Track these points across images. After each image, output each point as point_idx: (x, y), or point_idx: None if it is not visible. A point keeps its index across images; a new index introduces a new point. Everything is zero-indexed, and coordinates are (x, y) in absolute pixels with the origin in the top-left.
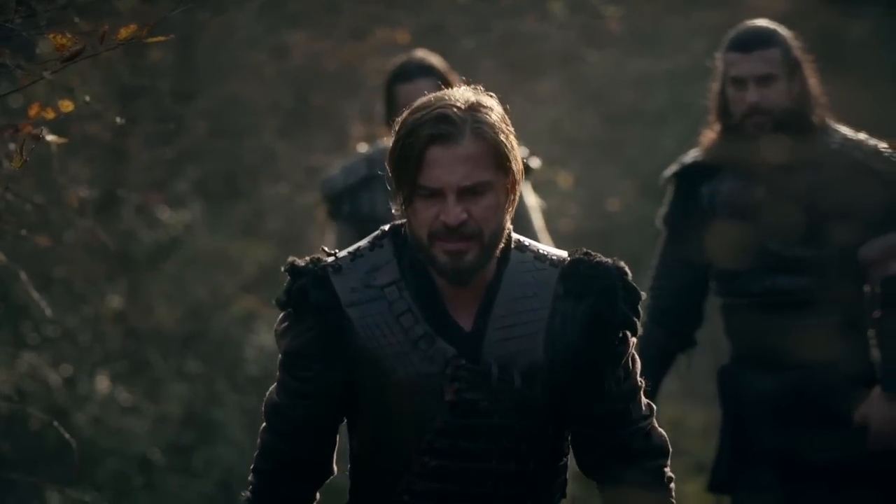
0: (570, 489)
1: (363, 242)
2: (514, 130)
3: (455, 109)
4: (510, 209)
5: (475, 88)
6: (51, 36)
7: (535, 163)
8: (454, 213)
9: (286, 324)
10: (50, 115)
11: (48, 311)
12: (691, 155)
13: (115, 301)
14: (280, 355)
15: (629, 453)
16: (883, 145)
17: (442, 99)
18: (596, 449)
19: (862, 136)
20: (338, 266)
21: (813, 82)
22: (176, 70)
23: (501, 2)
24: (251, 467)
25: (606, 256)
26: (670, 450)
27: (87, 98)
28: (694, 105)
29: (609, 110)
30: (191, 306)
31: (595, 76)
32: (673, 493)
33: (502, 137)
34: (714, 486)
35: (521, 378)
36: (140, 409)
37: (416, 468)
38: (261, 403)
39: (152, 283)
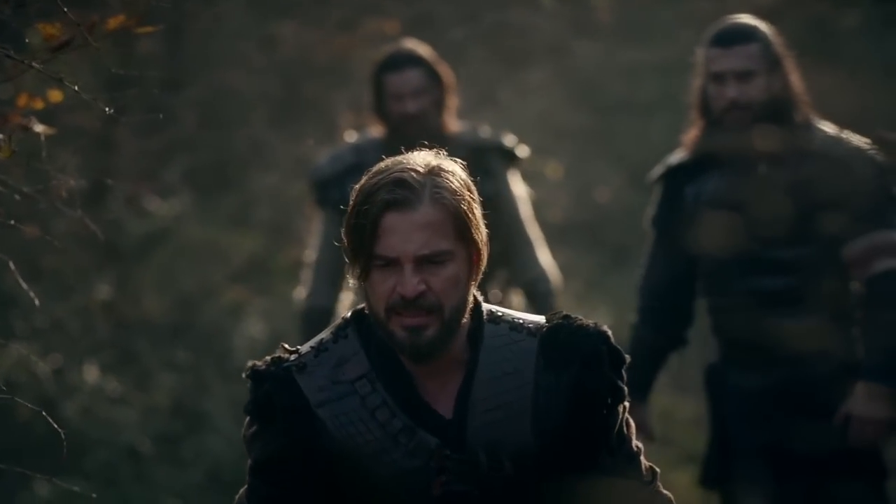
0: None
1: (325, 335)
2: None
3: (413, 174)
4: (474, 282)
5: (437, 153)
6: (39, 26)
7: (523, 152)
8: (411, 283)
9: (253, 429)
10: (39, 105)
11: (37, 302)
12: (676, 155)
13: (104, 291)
14: (249, 462)
15: None
16: (865, 142)
17: (400, 163)
18: None
19: (844, 133)
20: (302, 365)
21: (794, 78)
22: (165, 60)
23: None
24: None
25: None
26: None
27: (76, 87)
28: (683, 96)
29: (598, 101)
30: (180, 297)
31: (584, 66)
32: None
33: (464, 205)
34: (705, 481)
35: (512, 463)
36: (129, 399)
37: None
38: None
39: (141, 274)
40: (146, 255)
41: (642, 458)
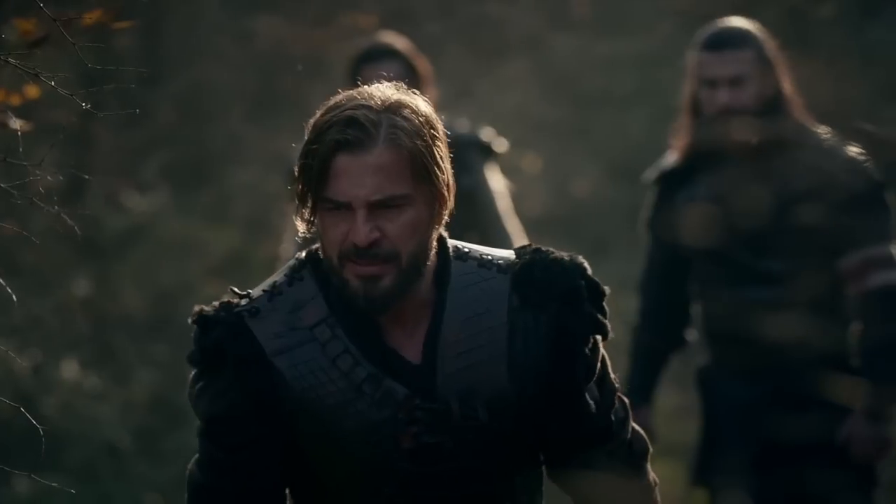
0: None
1: (278, 277)
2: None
3: (367, 111)
4: (437, 226)
5: (399, 85)
6: (16, 22)
7: (501, 146)
8: (363, 231)
9: (201, 383)
10: (15, 100)
11: (15, 298)
12: (668, 159)
13: (83, 287)
14: (198, 423)
15: (611, 466)
16: (857, 152)
17: (354, 98)
18: (572, 463)
19: (837, 141)
20: (254, 309)
21: (787, 83)
22: (142, 56)
23: None
24: None
25: (563, 247)
26: (650, 450)
27: (53, 83)
28: (662, 88)
29: (576, 93)
30: (158, 292)
31: (561, 59)
32: (657, 494)
33: (421, 145)
34: (695, 480)
35: (488, 411)
36: (108, 395)
37: None
38: None
39: (120, 269)
40: (124, 251)
41: (618, 396)
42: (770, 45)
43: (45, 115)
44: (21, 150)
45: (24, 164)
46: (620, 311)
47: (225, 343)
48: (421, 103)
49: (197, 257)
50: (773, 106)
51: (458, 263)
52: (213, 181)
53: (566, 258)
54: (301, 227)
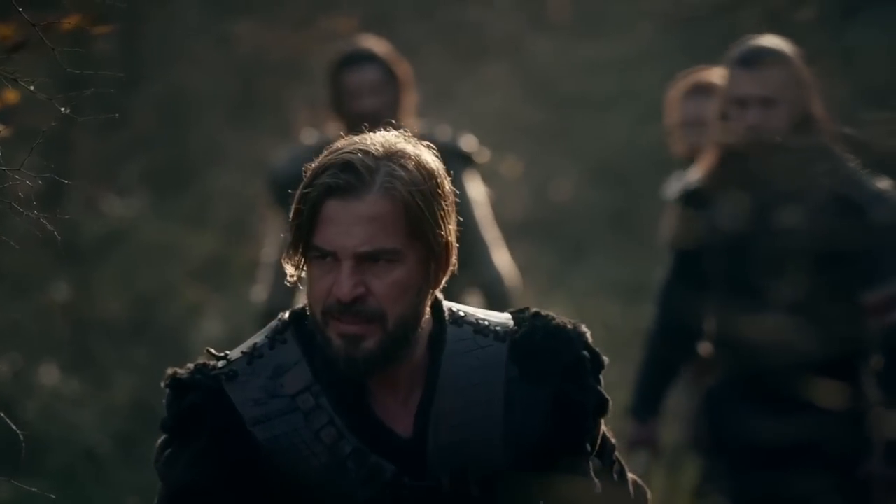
0: None
1: (259, 338)
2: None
3: (364, 156)
4: (433, 290)
5: (404, 133)
6: None
7: (483, 155)
8: (347, 285)
9: (170, 450)
10: None
11: None
12: (692, 176)
13: (62, 292)
14: (161, 489)
15: None
16: (884, 186)
17: (354, 143)
18: None
19: (864, 172)
20: (232, 373)
21: (817, 105)
22: (121, 60)
23: None
24: None
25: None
26: (649, 499)
27: (32, 87)
28: (641, 91)
29: (555, 96)
30: (138, 296)
31: (541, 62)
32: None
33: (419, 198)
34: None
35: (480, 487)
36: (88, 399)
37: None
38: None
39: (99, 274)
40: (104, 255)
41: (615, 454)
42: (802, 64)
43: (24, 120)
44: (0, 154)
45: (3, 168)
46: (600, 314)
47: (201, 409)
48: (426, 155)
49: (177, 261)
50: (802, 128)
51: (453, 329)
52: (193, 185)
53: (568, 326)
54: (291, 270)
